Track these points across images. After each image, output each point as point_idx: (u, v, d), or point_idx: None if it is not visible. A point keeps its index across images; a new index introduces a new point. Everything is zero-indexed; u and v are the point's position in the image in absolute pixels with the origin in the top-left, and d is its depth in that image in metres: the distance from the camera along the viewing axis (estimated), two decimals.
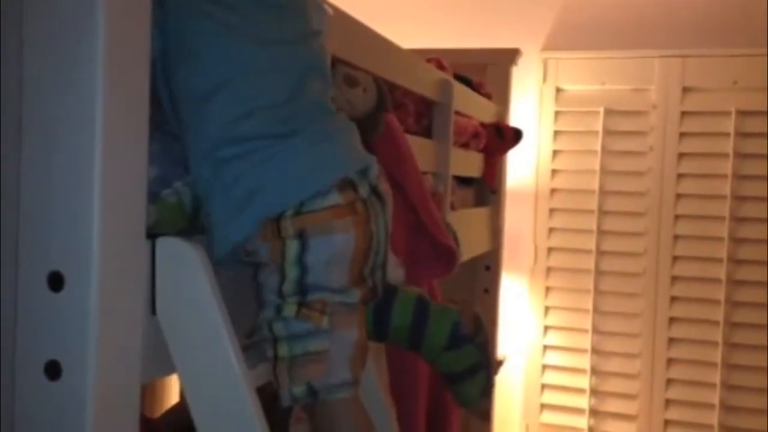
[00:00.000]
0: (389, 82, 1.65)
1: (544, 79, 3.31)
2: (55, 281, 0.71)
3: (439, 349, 1.06)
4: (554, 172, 3.32)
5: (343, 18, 1.26)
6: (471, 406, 1.13)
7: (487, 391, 1.12)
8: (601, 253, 3.23)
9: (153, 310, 0.83)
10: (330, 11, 1.20)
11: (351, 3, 3.57)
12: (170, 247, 0.83)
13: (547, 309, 3.34)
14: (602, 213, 3.24)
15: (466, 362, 1.08)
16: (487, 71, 2.74)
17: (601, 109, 3.21)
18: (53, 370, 0.72)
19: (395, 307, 1.06)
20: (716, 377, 3.04)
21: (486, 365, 1.10)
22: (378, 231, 0.91)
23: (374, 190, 0.92)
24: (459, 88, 2.05)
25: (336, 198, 0.86)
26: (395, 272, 1.28)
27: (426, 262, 1.45)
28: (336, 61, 1.28)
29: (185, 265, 0.82)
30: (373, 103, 1.37)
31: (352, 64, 1.37)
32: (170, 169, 0.89)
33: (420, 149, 1.79)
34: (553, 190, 3.32)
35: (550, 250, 3.33)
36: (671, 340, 3.13)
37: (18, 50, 0.72)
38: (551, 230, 3.33)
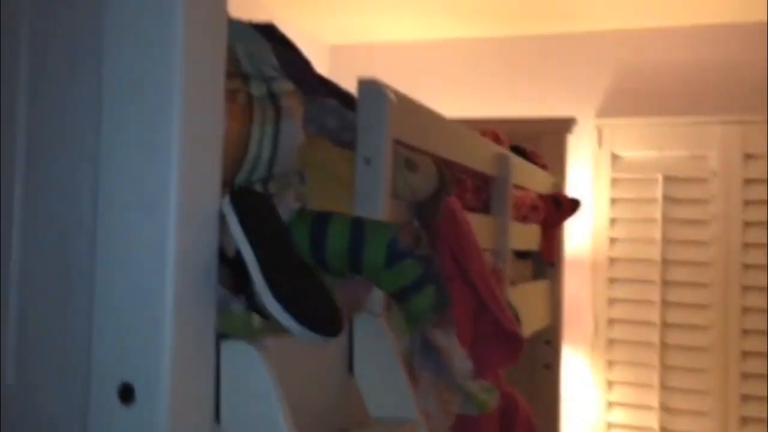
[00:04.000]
0: (448, 161, 1.62)
1: (600, 145, 3.26)
2: (126, 393, 0.69)
3: (379, 269, 0.99)
4: (612, 240, 3.23)
5: (404, 102, 1.25)
6: (422, 320, 1.08)
7: (439, 305, 1.06)
8: (665, 326, 3.11)
9: (217, 418, 0.79)
10: (392, 97, 1.19)
11: (410, 73, 3.62)
12: (235, 351, 0.79)
13: (610, 384, 3.20)
14: (665, 283, 3.12)
15: (408, 277, 1.01)
16: (542, 140, 2.70)
17: (660, 176, 3.14)
18: None
19: (330, 230, 0.97)
20: None
21: (432, 280, 1.04)
22: (261, 141, 0.87)
23: (272, 97, 0.87)
24: (516, 162, 2.02)
25: None
26: (463, 365, 1.22)
27: (491, 349, 1.39)
28: (397, 145, 1.26)
29: (250, 371, 0.78)
30: (434, 186, 1.34)
31: (413, 146, 1.35)
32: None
33: (479, 226, 1.75)
34: (611, 259, 3.23)
35: (610, 321, 3.22)
36: (743, 419, 2.97)
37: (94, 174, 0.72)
38: (611, 301, 3.23)
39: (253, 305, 0.80)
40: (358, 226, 1.00)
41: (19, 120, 0.77)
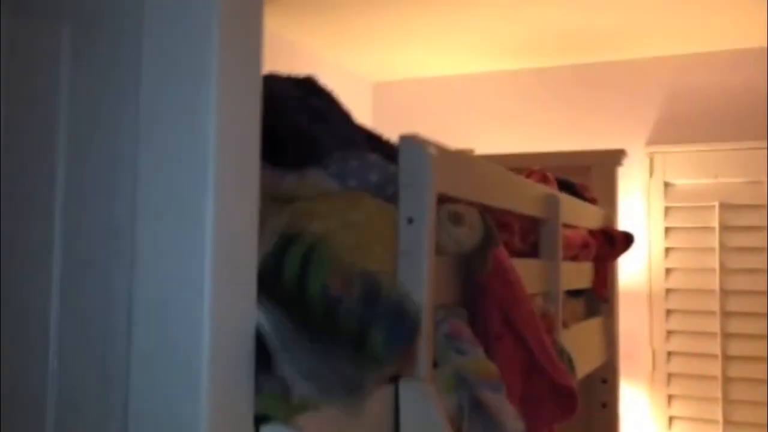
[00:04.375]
0: (494, 208, 1.59)
1: (651, 174, 3.18)
2: None
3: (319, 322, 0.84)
4: (668, 270, 3.14)
5: (446, 155, 1.22)
6: (382, 364, 0.89)
7: (395, 343, 0.87)
8: (727, 358, 3.00)
9: None
10: (434, 152, 1.17)
11: (453, 107, 3.61)
12: None
13: (671, 420, 3.09)
14: (724, 314, 3.02)
15: (348, 327, 0.85)
16: (591, 173, 2.65)
17: (716, 204, 3.04)
18: None
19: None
20: None
21: (375, 321, 0.86)
22: None
23: None
24: (565, 201, 1.97)
25: None
26: (514, 425, 1.18)
27: (544, 405, 1.34)
28: (441, 199, 1.23)
29: None
30: (480, 238, 1.31)
31: (457, 198, 1.32)
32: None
33: (528, 270, 1.71)
34: (668, 291, 3.13)
35: (669, 354, 3.12)
36: None
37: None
38: (669, 333, 3.13)
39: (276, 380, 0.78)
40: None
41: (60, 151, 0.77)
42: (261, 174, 0.77)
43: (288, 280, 0.84)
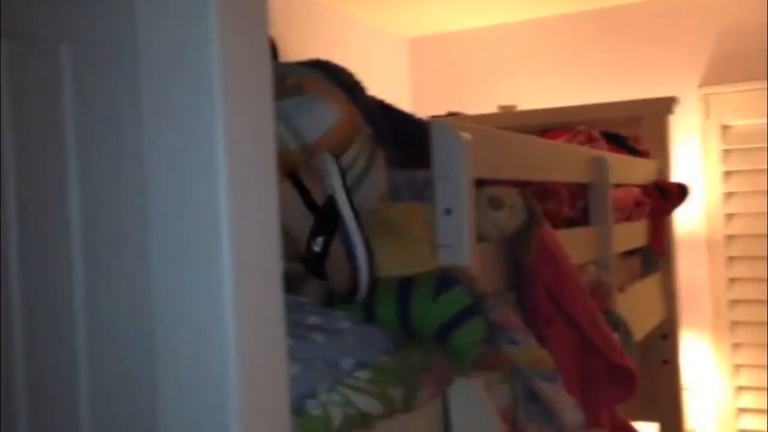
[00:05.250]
0: (539, 182, 1.52)
1: (707, 116, 3.03)
2: None
3: (427, 301, 0.95)
4: (728, 216, 3.01)
5: (481, 137, 1.15)
6: (470, 353, 0.97)
7: (486, 340, 0.98)
8: None
9: None
10: (467, 137, 1.10)
11: (491, 60, 3.47)
12: None
13: (737, 368, 3.01)
14: None
15: (457, 305, 0.95)
16: (641, 123, 2.52)
17: None
18: None
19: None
20: None
21: (481, 313, 0.96)
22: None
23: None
24: (614, 161, 1.87)
25: None
26: (573, 416, 1.13)
27: (603, 387, 1.29)
28: (479, 184, 1.17)
29: None
30: (523, 220, 1.25)
31: (497, 180, 1.26)
32: (317, 371, 0.81)
33: (578, 239, 1.64)
34: (729, 237, 3.01)
35: (732, 303, 3.01)
36: None
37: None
38: (731, 281, 3.02)
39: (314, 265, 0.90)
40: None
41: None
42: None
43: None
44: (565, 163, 1.63)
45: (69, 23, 0.76)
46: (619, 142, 2.30)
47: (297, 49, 2.83)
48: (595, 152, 1.83)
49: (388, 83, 3.45)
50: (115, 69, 0.73)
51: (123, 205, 0.72)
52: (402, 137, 1.28)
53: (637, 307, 2.04)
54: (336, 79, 1.23)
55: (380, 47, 3.44)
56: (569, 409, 1.14)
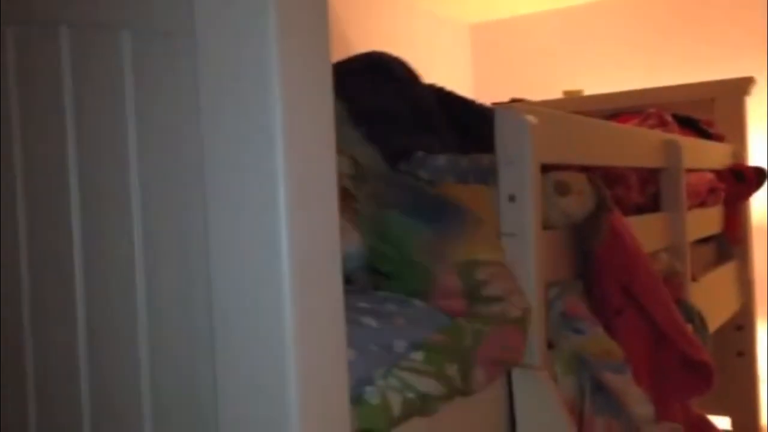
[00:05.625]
0: (606, 168, 1.47)
1: None
2: None
3: None
4: None
5: (547, 121, 1.11)
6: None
7: None
8: None
9: None
10: (533, 121, 1.07)
11: (554, 44, 3.40)
12: None
13: None
14: None
15: None
16: (715, 105, 2.42)
17: None
18: None
19: None
20: None
21: None
22: None
23: None
24: (687, 145, 1.80)
25: None
26: (643, 408, 1.09)
27: (677, 381, 1.23)
28: (545, 169, 1.13)
29: None
30: (592, 206, 1.20)
31: (563, 165, 1.21)
32: (372, 357, 0.79)
33: (649, 226, 1.58)
34: None
35: None
36: None
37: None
38: None
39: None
40: None
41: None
42: None
43: None
44: (635, 147, 1.57)
45: (128, 10, 0.76)
46: (692, 126, 2.21)
47: (360, 37, 2.82)
48: (668, 136, 1.76)
49: (451, 71, 3.41)
50: (174, 54, 0.72)
51: (181, 188, 0.72)
52: (463, 124, 1.25)
53: (711, 297, 1.96)
54: (387, 74, 1.22)
55: (442, 34, 3.40)
56: (639, 401, 1.10)
